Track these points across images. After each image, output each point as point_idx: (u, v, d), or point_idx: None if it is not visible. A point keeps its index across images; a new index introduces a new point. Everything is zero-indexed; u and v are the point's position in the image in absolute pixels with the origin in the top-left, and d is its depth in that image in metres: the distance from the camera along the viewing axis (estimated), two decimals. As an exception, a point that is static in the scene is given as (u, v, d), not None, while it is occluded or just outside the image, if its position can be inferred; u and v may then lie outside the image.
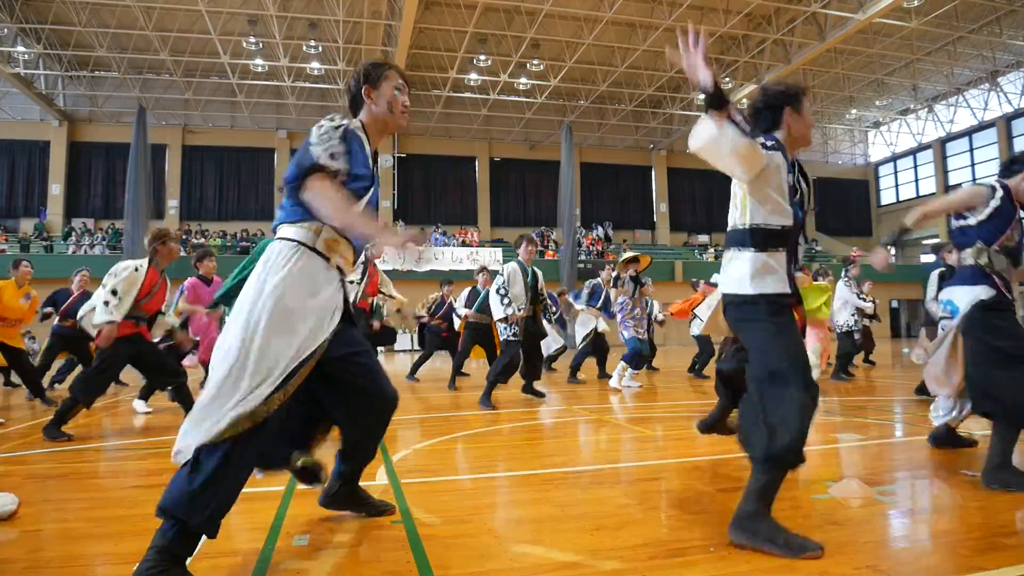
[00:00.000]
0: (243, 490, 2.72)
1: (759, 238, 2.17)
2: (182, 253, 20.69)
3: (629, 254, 7.31)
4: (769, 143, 2.22)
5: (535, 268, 6.24)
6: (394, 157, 26.21)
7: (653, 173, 29.03)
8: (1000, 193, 2.94)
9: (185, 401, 4.88)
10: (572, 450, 3.82)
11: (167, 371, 4.80)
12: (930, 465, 3.16)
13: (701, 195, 28.75)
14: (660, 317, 9.36)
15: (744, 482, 2.83)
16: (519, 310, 5.90)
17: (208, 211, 24.98)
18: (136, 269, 4.42)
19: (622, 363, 7.08)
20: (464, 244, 24.39)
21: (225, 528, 2.22)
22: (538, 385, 6.56)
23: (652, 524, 2.21)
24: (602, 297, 8.34)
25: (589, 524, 2.20)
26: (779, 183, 2.19)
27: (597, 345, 8.52)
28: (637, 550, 1.94)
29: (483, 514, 2.34)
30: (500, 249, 22.89)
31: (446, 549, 1.98)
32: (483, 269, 7.87)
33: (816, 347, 6.73)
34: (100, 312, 4.26)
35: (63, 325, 6.76)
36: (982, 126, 26.24)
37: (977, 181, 3.25)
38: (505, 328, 5.96)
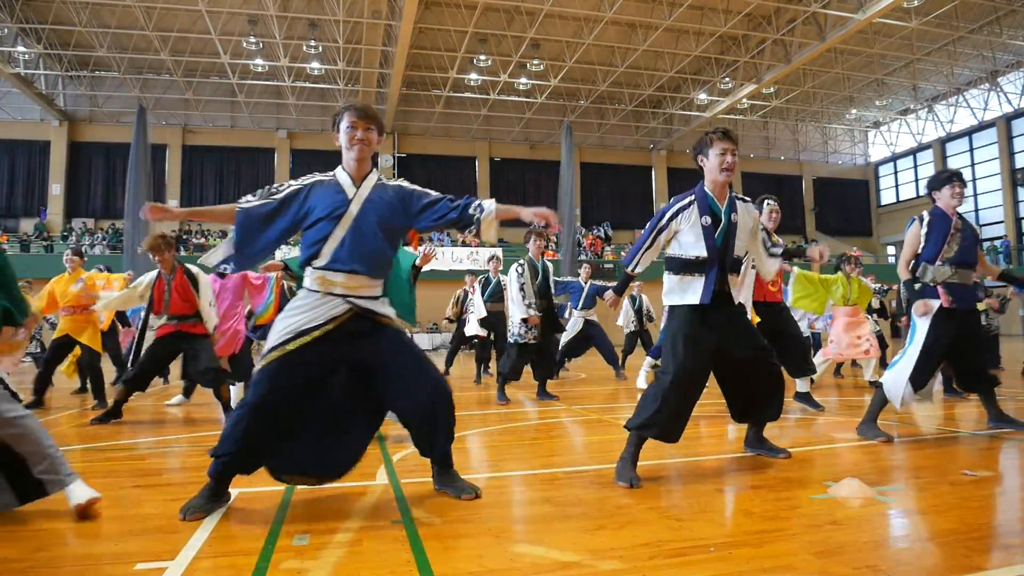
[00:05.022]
0: (243, 490, 2.74)
1: None
2: (183, 253, 20.78)
3: None
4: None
5: (546, 263, 6.16)
6: (394, 157, 26.21)
7: (653, 173, 29.04)
8: (927, 219, 3.80)
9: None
10: (572, 450, 3.82)
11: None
12: (930, 465, 3.16)
13: (701, 195, 28.66)
14: (653, 314, 9.37)
15: (743, 482, 2.85)
16: (534, 312, 5.87)
17: (208, 211, 24.97)
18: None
19: (649, 359, 7.03)
20: (464, 244, 24.39)
21: (225, 528, 2.22)
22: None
23: (652, 524, 2.21)
24: (582, 296, 8.23)
25: (589, 524, 2.20)
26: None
27: (576, 347, 8.49)
28: (637, 550, 1.94)
29: (483, 514, 2.34)
30: (500, 249, 22.87)
31: (446, 549, 1.98)
32: (493, 257, 7.87)
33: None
34: None
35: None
36: (982, 126, 26.25)
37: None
38: (521, 331, 5.90)
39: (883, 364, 9.19)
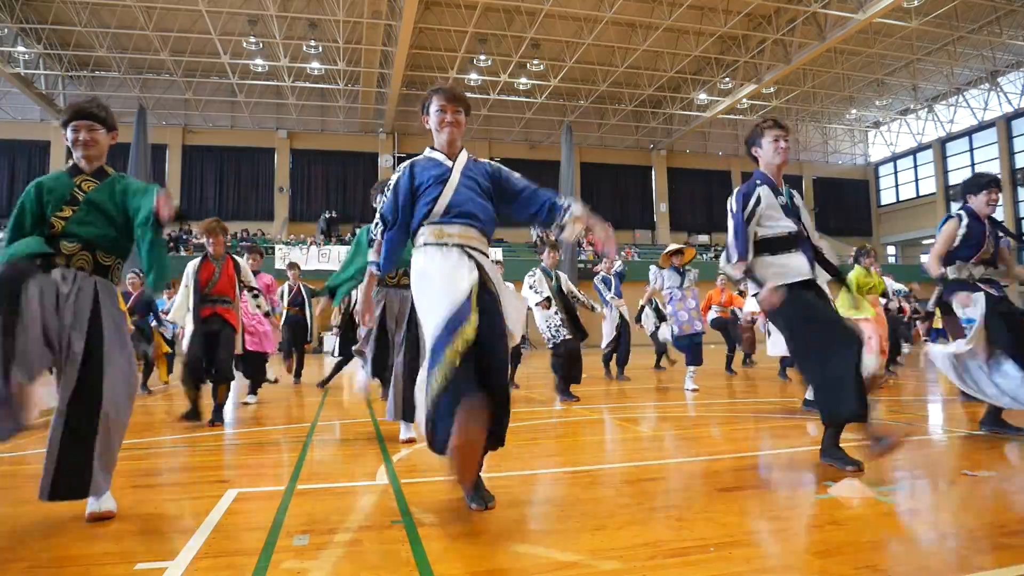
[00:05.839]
0: (243, 489, 2.74)
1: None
2: (182, 252, 20.79)
3: (673, 246, 7.22)
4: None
5: (559, 272, 6.40)
6: (394, 157, 26.21)
7: (653, 173, 29.04)
8: (966, 221, 3.79)
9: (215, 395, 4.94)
10: (572, 450, 3.82)
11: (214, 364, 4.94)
12: (930, 465, 3.16)
13: (701, 195, 28.76)
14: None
15: (744, 482, 2.85)
16: (551, 303, 6.13)
17: (208, 211, 24.94)
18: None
19: (690, 368, 6.83)
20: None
21: (225, 528, 2.22)
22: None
23: (652, 524, 2.21)
24: (611, 286, 8.45)
25: (589, 524, 2.20)
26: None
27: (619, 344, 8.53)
28: (637, 550, 1.94)
29: (483, 514, 2.34)
30: (500, 249, 22.88)
31: (446, 549, 1.98)
32: (496, 262, 7.92)
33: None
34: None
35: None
36: (982, 126, 26.25)
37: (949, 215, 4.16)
38: (548, 330, 6.20)
39: (887, 367, 9.08)
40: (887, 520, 2.25)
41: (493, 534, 2.12)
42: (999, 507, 2.39)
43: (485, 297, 2.44)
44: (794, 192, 3.25)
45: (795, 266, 3.01)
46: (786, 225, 3.06)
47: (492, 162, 2.80)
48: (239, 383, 7.36)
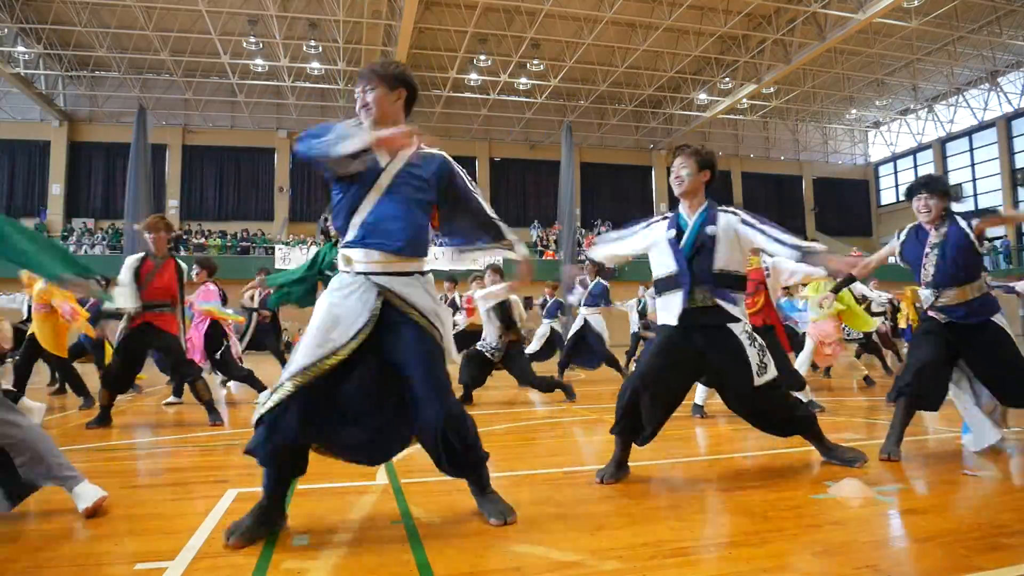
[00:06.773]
0: (243, 489, 2.74)
1: None
2: (183, 253, 20.79)
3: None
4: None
5: (511, 297, 6.12)
6: (394, 157, 26.20)
7: (653, 173, 29.04)
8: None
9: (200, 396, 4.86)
10: (572, 450, 3.82)
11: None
12: (930, 465, 3.16)
13: (701, 195, 28.70)
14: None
15: (743, 482, 2.85)
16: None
17: (208, 211, 24.97)
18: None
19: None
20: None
21: (225, 528, 2.22)
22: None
23: (652, 524, 2.21)
24: (584, 294, 8.20)
25: (589, 524, 2.20)
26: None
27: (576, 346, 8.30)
28: (637, 550, 1.94)
29: (483, 514, 2.34)
30: (501, 258, 22.84)
31: (446, 549, 1.98)
32: (491, 267, 7.71)
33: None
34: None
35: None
36: (982, 126, 26.24)
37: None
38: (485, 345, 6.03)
39: (885, 367, 9.03)
40: (887, 520, 2.25)
41: (493, 534, 2.12)
42: (999, 507, 2.39)
43: (397, 326, 2.17)
44: (723, 220, 2.91)
45: (669, 307, 2.93)
46: (666, 268, 2.95)
47: (446, 160, 2.32)
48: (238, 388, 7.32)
